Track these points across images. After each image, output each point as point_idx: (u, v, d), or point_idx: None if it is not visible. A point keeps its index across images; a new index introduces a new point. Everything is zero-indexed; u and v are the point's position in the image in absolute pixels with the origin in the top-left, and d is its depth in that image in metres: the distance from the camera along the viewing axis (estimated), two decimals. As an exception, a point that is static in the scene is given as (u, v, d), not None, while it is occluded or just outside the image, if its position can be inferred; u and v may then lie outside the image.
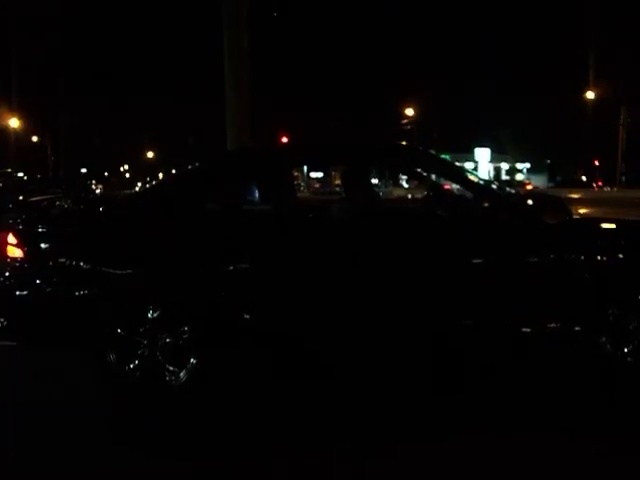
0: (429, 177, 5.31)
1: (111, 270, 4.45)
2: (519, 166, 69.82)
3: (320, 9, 55.60)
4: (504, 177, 65.63)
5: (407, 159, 5.10)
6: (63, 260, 4.52)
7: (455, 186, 5.39)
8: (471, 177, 4.78)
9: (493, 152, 66.43)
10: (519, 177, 65.12)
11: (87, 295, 4.43)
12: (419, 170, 5.31)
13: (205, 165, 5.05)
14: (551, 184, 52.31)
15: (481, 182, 4.78)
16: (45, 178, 37.21)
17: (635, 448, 3.62)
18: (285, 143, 5.28)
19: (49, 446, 3.80)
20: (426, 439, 3.79)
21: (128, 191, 43.93)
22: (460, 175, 4.91)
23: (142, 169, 74.61)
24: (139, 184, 57.64)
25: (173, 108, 63.64)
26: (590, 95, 46.72)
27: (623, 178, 45.18)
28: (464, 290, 4.44)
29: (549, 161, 65.29)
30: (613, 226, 4.74)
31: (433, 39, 57.99)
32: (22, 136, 50.59)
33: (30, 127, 52.27)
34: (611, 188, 41.44)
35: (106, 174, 72.25)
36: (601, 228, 4.73)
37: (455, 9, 58.52)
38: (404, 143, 5.43)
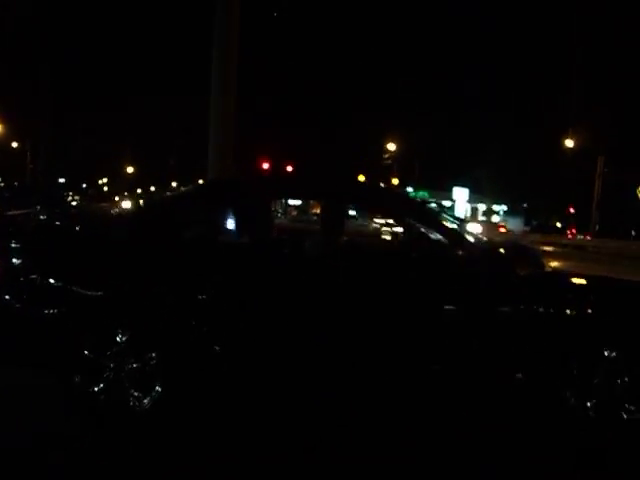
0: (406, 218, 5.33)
1: (82, 291, 4.42)
2: (496, 208, 70.33)
3: (303, 38, 56.00)
4: (480, 218, 66.08)
5: (383, 200, 5.15)
6: (34, 277, 4.49)
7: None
8: (446, 223, 4.81)
9: (471, 192, 66.90)
10: (495, 219, 65.59)
11: (56, 314, 4.40)
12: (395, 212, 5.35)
13: (182, 194, 5.09)
14: (527, 228, 52.76)
15: (456, 229, 4.83)
16: (22, 186, 36.90)
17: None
18: (263, 176, 5.29)
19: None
20: None
21: (104, 204, 43.65)
22: (434, 219, 4.93)
23: (121, 184, 74.20)
24: (117, 198, 57.29)
25: (157, 125, 63.57)
26: (569, 143, 47.42)
27: (597, 227, 45.78)
28: (430, 335, 4.48)
29: (525, 205, 65.93)
30: (583, 281, 4.81)
31: (414, 77, 58.63)
32: (2, 140, 50.21)
33: (11, 132, 51.91)
34: (584, 236, 41.90)
35: (84, 186, 71.72)
36: (571, 283, 4.80)
37: (439, 50, 59.31)
38: (382, 185, 5.47)
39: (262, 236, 4.68)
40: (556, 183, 50.01)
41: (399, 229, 5.50)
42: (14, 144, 56.46)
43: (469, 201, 67.37)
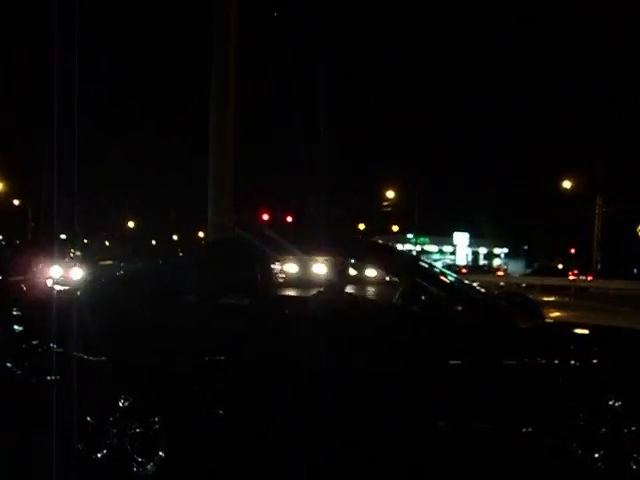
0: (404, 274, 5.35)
1: (84, 357, 4.42)
2: (497, 251, 70.45)
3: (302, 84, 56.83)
4: (482, 261, 66.24)
5: (381, 257, 5.19)
6: (36, 343, 4.50)
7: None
8: (444, 278, 4.82)
9: (472, 237, 67.08)
10: (496, 262, 65.69)
11: (57, 381, 4.40)
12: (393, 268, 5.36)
13: (184, 256, 5.13)
14: (528, 270, 52.73)
15: (455, 283, 4.84)
16: (23, 243, 37.04)
17: None
18: (263, 235, 5.28)
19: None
20: None
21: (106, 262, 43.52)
22: (431, 274, 4.94)
23: (123, 238, 74.38)
24: (118, 252, 57.27)
25: (157, 180, 64.05)
26: (567, 184, 47.64)
27: (599, 266, 45.74)
28: (431, 391, 4.45)
29: (526, 247, 66.03)
30: (585, 331, 4.80)
31: (414, 124, 59.42)
32: (4, 198, 50.53)
33: (12, 190, 52.26)
34: (585, 277, 41.66)
35: (85, 241, 71.83)
36: (573, 333, 4.79)
37: (439, 104, 60.40)
38: (380, 242, 5.53)
39: (263, 297, 4.68)
40: (557, 224, 50.07)
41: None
42: (15, 202, 56.77)
43: (470, 245, 67.56)
